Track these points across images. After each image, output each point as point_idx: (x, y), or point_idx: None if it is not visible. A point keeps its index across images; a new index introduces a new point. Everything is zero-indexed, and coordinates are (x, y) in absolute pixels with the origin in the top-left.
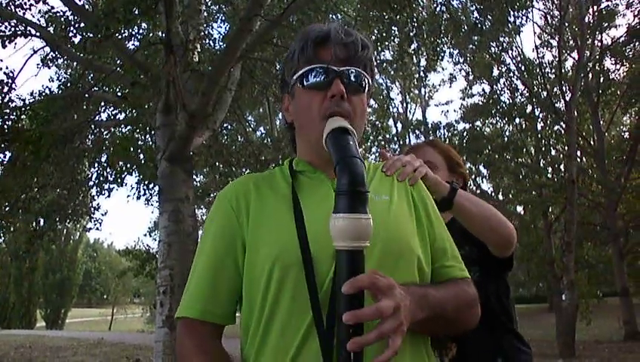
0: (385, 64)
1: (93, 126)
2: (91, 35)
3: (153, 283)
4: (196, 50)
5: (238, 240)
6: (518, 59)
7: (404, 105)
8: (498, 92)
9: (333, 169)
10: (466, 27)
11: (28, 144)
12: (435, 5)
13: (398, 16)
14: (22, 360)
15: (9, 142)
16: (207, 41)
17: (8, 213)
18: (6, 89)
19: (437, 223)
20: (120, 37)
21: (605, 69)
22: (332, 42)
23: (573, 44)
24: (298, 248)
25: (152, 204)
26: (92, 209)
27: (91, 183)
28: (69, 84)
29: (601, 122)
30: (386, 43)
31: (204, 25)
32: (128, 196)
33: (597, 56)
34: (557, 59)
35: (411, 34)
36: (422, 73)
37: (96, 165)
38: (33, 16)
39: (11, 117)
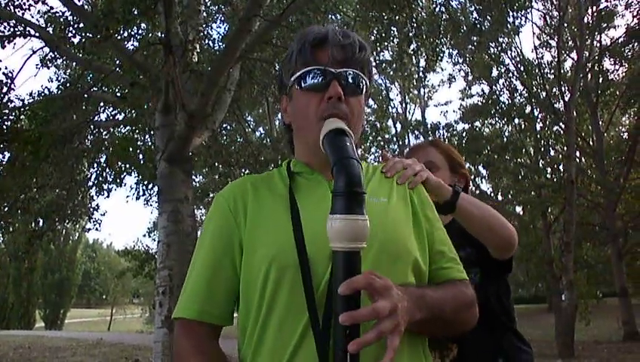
0: (384, 64)
1: (92, 126)
2: (90, 36)
3: (152, 284)
4: (195, 50)
5: (235, 240)
6: (518, 59)
7: (404, 105)
8: (497, 92)
9: (330, 170)
10: (465, 27)
11: (27, 144)
12: (434, 6)
13: (397, 17)
14: (21, 361)
15: (8, 143)
16: (207, 42)
17: (7, 214)
18: (5, 89)
19: (436, 225)
20: (119, 37)
21: (604, 69)
22: (330, 44)
23: (572, 45)
24: (295, 249)
25: (151, 205)
26: (91, 209)
27: (90, 183)
28: (68, 85)
29: (600, 122)
30: (385, 43)
31: (204, 25)
32: (127, 196)
33: (596, 57)
34: (556, 59)
35: (410, 34)
36: (421, 73)
37: (95, 165)
38: (32, 17)
39: (10, 117)
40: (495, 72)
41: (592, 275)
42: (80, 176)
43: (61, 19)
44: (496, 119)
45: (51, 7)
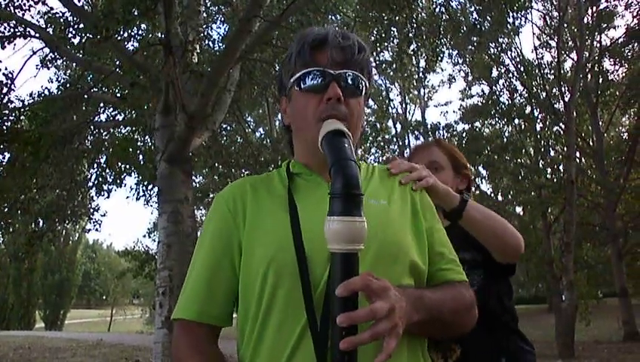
0: (384, 65)
1: (92, 127)
2: (90, 36)
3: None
4: (195, 51)
5: (234, 241)
6: (517, 60)
7: (404, 105)
8: (497, 93)
9: (329, 171)
10: (465, 28)
11: (27, 145)
12: (434, 6)
13: (397, 17)
14: (21, 361)
15: (8, 143)
16: (207, 42)
17: (7, 214)
18: (5, 90)
19: (436, 227)
20: (119, 38)
21: (604, 69)
22: (329, 45)
23: (572, 45)
24: (293, 250)
25: (151, 205)
26: (91, 210)
27: (90, 184)
28: (68, 85)
29: (600, 123)
30: (385, 44)
31: (204, 26)
32: (127, 197)
33: (596, 57)
34: (556, 60)
35: (410, 35)
36: (421, 74)
37: (95, 166)
38: (32, 17)
39: (10, 118)
40: (495, 73)
41: (592, 275)
42: (80, 176)
43: (61, 20)
44: (496, 119)
45: (51, 8)
